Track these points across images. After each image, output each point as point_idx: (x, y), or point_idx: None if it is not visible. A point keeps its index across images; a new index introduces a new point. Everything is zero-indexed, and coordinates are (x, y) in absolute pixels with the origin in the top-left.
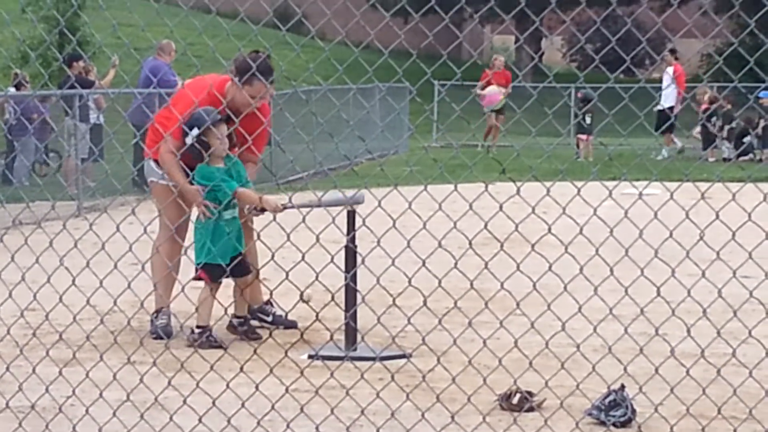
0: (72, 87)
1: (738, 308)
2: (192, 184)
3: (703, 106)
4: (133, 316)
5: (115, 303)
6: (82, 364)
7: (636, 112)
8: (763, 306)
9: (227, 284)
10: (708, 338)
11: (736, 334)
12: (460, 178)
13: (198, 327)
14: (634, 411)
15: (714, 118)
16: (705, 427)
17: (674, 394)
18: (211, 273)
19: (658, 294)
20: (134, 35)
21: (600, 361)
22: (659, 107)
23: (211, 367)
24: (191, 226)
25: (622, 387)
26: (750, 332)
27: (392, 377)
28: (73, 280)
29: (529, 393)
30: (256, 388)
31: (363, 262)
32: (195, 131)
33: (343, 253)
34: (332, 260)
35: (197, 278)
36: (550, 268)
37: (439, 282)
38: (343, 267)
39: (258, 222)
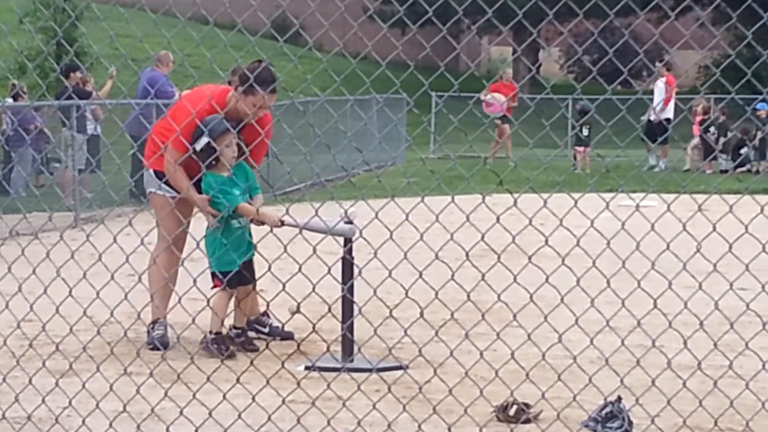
0: (69, 98)
1: (735, 320)
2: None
3: (699, 118)
4: (130, 327)
5: (111, 314)
6: (78, 375)
7: (633, 123)
8: (760, 318)
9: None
10: (705, 350)
11: (733, 347)
12: (458, 190)
13: (211, 333)
14: (630, 423)
15: (712, 128)
16: None
17: (671, 406)
18: (225, 280)
19: (655, 306)
20: (132, 46)
21: (597, 373)
22: (652, 118)
23: (208, 378)
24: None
25: (619, 399)
26: (747, 344)
27: (389, 389)
28: (70, 291)
29: (526, 404)
30: (253, 399)
31: (360, 273)
32: (204, 139)
33: (340, 264)
34: (329, 272)
35: (215, 286)
36: (547, 279)
37: (436, 294)
38: (340, 279)
39: (255, 234)
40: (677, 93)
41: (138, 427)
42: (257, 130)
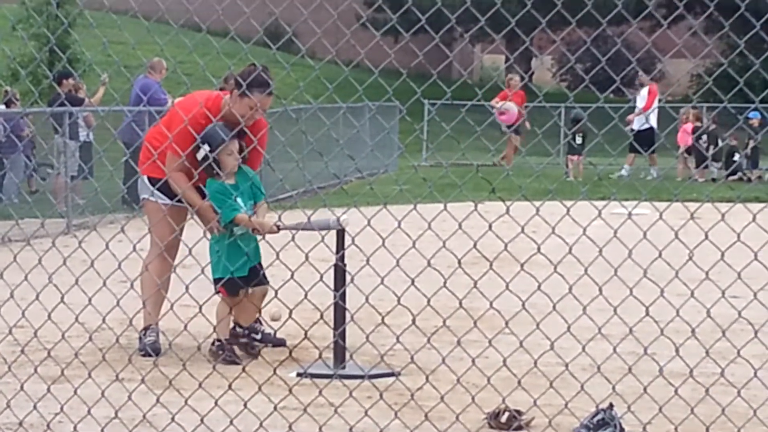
0: (62, 104)
1: (727, 328)
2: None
3: (690, 126)
4: (122, 333)
5: (103, 320)
6: (70, 381)
7: (626, 132)
8: (752, 326)
9: (214, 302)
10: (697, 358)
11: (725, 354)
12: (450, 197)
13: (218, 341)
14: (622, 430)
15: (704, 137)
16: None
17: (663, 414)
18: (228, 288)
19: (647, 313)
20: (125, 53)
21: (589, 380)
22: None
23: (200, 385)
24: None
25: (611, 406)
26: (738, 352)
27: (381, 395)
28: (62, 298)
29: (518, 411)
30: (245, 405)
31: (352, 280)
32: (207, 147)
33: (332, 271)
34: (321, 279)
35: (217, 292)
36: (539, 287)
37: (428, 301)
38: (332, 285)
39: None
40: (669, 102)
41: None
42: (254, 134)
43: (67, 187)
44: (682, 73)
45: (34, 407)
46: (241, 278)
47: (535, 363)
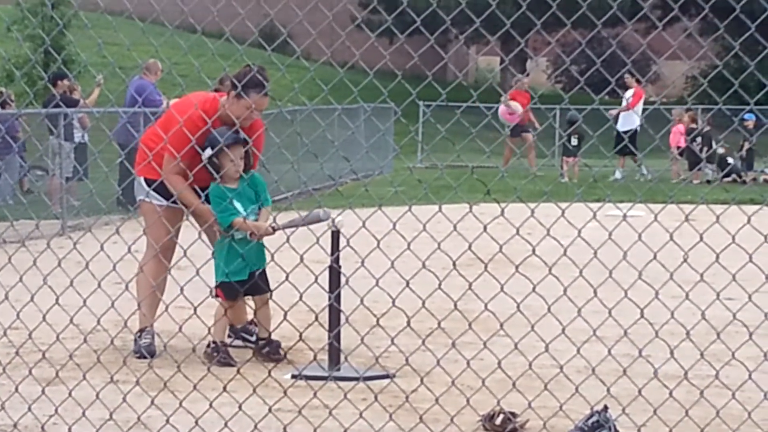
0: (57, 106)
1: (721, 330)
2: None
3: (683, 127)
4: (117, 335)
5: (98, 322)
6: (65, 382)
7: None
8: (747, 328)
9: (209, 304)
10: (691, 360)
11: (720, 356)
12: (445, 199)
13: (213, 343)
14: None
15: (698, 139)
16: None
17: (657, 416)
18: (225, 291)
19: (642, 315)
20: (120, 54)
21: (583, 383)
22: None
23: (195, 387)
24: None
25: (605, 408)
26: (733, 354)
27: (375, 397)
28: (57, 299)
29: (513, 414)
30: (239, 407)
31: (347, 282)
32: (209, 151)
33: (327, 273)
34: (316, 280)
35: (215, 296)
36: (534, 289)
37: (423, 302)
38: (327, 287)
39: None
40: (664, 104)
41: None
42: (251, 135)
43: (62, 188)
44: (677, 74)
45: (29, 409)
46: (239, 282)
47: (530, 365)
